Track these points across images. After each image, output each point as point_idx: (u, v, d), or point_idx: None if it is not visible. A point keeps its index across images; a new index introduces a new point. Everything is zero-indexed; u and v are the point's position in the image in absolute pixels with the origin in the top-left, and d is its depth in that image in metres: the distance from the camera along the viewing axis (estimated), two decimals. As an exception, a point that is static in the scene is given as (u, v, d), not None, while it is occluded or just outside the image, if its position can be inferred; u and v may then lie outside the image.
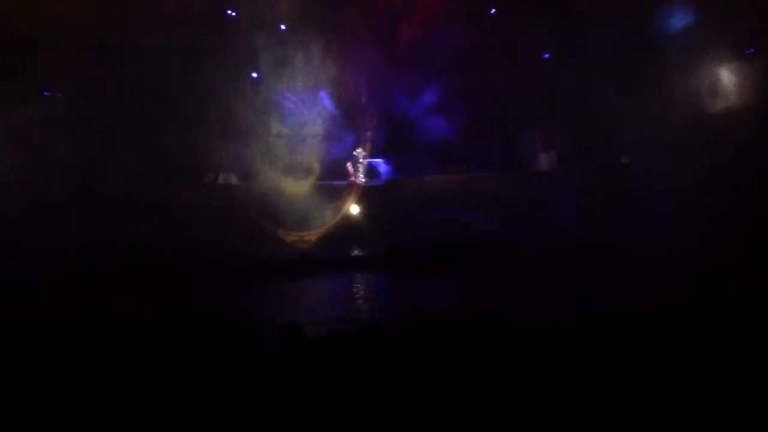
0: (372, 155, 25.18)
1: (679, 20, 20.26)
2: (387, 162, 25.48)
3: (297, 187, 22.64)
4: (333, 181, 23.94)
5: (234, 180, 23.88)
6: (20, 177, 18.75)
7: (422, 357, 6.00)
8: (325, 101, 24.50)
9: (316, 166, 23.47)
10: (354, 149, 24.87)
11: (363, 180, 24.46)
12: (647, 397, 5.20)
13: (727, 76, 19.90)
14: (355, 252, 21.23)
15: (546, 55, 24.45)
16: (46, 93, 22.59)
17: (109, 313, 12.46)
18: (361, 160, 24.75)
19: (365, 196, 23.11)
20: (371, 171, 25.09)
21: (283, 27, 23.61)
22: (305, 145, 23.63)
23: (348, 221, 22.47)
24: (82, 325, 7.45)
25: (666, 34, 20.25)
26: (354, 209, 22.66)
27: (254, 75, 23.68)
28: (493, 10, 25.39)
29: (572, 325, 6.72)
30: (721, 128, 18.79)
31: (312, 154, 23.57)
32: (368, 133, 24.94)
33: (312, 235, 21.80)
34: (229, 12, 24.03)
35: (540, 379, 5.59)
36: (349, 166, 24.53)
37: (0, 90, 19.73)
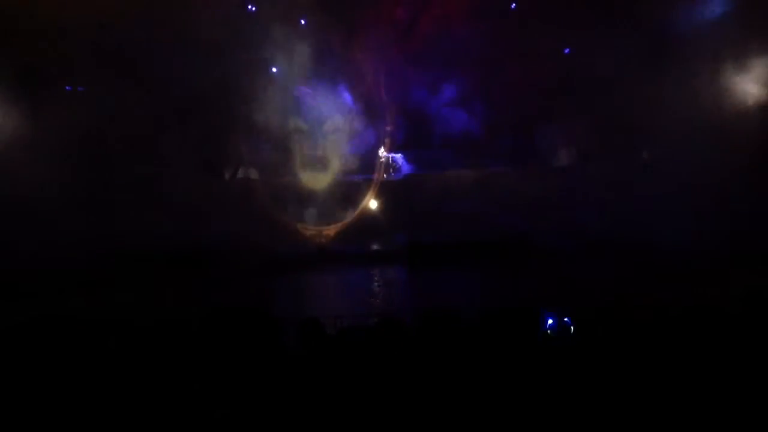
0: (392, 150, 25.19)
1: (702, 16, 20.07)
2: (406, 157, 25.48)
3: (316, 182, 22.70)
4: (352, 175, 23.95)
5: (254, 174, 23.96)
6: (44, 170, 18.89)
7: (440, 352, 6.03)
8: (345, 96, 24.51)
9: (336, 161, 23.49)
10: (373, 145, 24.89)
11: (383, 175, 24.47)
12: (664, 397, 5.22)
13: (752, 74, 19.68)
14: (374, 246, 21.26)
15: (566, 51, 24.30)
16: (68, 87, 22.77)
17: (127, 307, 12.61)
18: (380, 156, 24.76)
19: (384, 190, 23.12)
20: (391, 166, 25.09)
21: (303, 22, 23.63)
22: (324, 140, 23.68)
23: (366, 215, 22.49)
24: (107, 318, 7.54)
25: (690, 30, 20.05)
26: (373, 204, 22.68)
27: (274, 70, 23.72)
28: (513, 5, 25.27)
29: (589, 323, 6.74)
30: (745, 126, 18.61)
31: (331, 149, 23.61)
32: (388, 128, 24.94)
33: (331, 230, 21.87)
34: (249, 7, 24.09)
35: (557, 377, 5.61)
36: (380, 158, 24.53)
37: (25, 84, 19.93)
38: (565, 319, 7.08)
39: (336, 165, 23.46)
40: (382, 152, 24.80)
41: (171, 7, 20.77)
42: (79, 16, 19.91)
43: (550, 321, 7.14)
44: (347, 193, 22.72)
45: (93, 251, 17.40)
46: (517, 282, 15.76)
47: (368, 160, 24.63)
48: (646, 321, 6.55)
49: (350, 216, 22.32)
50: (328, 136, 23.79)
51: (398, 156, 25.35)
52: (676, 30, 20.08)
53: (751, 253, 14.39)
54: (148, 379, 5.74)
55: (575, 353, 6.10)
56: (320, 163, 23.42)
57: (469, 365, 5.74)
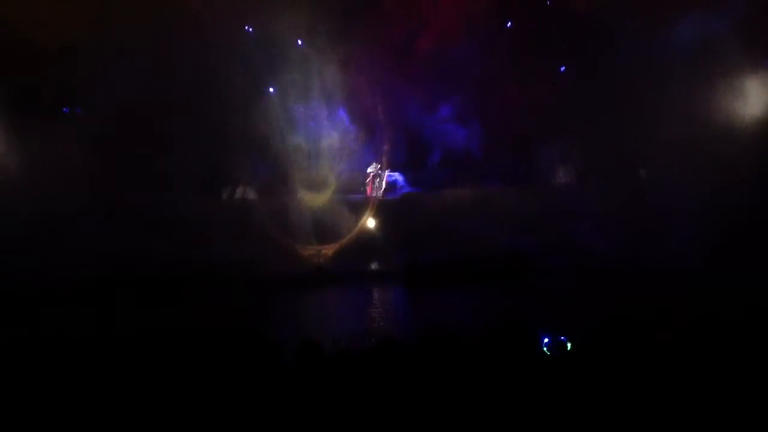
0: (389, 169, 25.20)
1: (699, 34, 20.17)
2: (403, 176, 25.49)
3: (314, 201, 22.69)
4: (350, 194, 23.94)
5: (251, 194, 23.95)
6: (38, 191, 18.91)
7: (439, 372, 6.01)
8: (342, 116, 24.55)
9: (333, 180, 23.50)
10: (371, 163, 24.90)
11: (380, 194, 24.48)
12: (662, 413, 5.20)
13: (746, 89, 19.77)
14: (372, 266, 21.22)
15: (562, 69, 24.40)
16: (65, 109, 22.85)
17: (125, 326, 12.57)
18: (378, 174, 24.77)
19: (382, 210, 23.11)
20: (388, 185, 25.09)
21: (299, 42, 23.71)
22: (322, 159, 23.69)
23: (364, 235, 22.46)
24: (101, 336, 7.52)
25: (684, 46, 20.15)
26: (370, 223, 22.67)
27: (271, 90, 23.78)
28: (509, 24, 25.40)
29: (590, 341, 6.73)
30: (745, 140, 18.68)
31: (329, 168, 23.62)
32: (385, 148, 24.97)
33: (329, 249, 21.82)
34: (246, 27, 24.18)
35: (558, 395, 5.59)
36: (367, 179, 24.57)
37: (21, 105, 19.99)
38: (562, 338, 7.07)
39: (334, 184, 23.46)
40: (379, 171, 24.79)
41: (168, 29, 20.85)
42: (73, 40, 20.04)
43: (546, 339, 7.13)
44: (345, 212, 22.69)
45: (88, 273, 17.38)
46: (515, 301, 15.73)
47: (368, 179, 24.65)
48: (644, 339, 6.54)
49: (348, 235, 22.27)
50: (325, 156, 23.79)
51: (396, 175, 25.35)
52: (671, 46, 20.17)
53: (750, 269, 14.39)
54: (144, 397, 5.72)
55: (572, 371, 6.09)
56: (318, 183, 23.40)
57: (468, 385, 5.73)
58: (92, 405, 5.61)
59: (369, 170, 24.66)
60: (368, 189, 24.51)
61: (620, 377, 5.73)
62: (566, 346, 6.90)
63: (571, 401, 5.47)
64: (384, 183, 24.78)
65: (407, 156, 25.66)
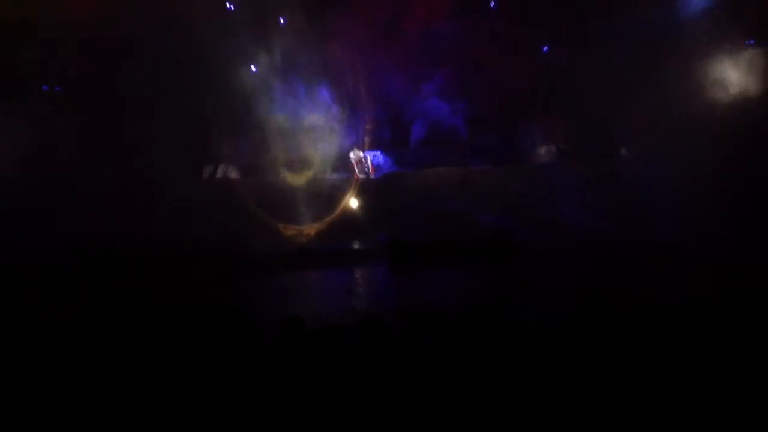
0: (372, 148, 25.14)
1: (685, 11, 20.21)
2: (387, 155, 25.44)
3: (296, 181, 22.62)
4: (332, 174, 23.89)
5: (233, 173, 23.85)
6: (18, 172, 18.75)
7: (422, 350, 5.99)
8: (325, 95, 24.43)
9: (316, 160, 23.42)
10: (354, 142, 24.82)
11: (363, 173, 24.42)
12: (649, 395, 5.19)
13: (731, 68, 19.85)
14: (355, 245, 21.20)
15: (545, 48, 24.38)
16: (44, 87, 22.59)
17: (107, 309, 12.49)
18: (360, 154, 24.70)
19: (365, 189, 23.06)
20: (371, 164, 25.03)
21: (281, 20, 23.54)
22: (305, 138, 23.59)
23: (347, 214, 22.42)
24: (80, 321, 7.44)
25: (668, 25, 20.19)
26: (353, 202, 22.62)
27: (253, 68, 23.61)
28: (493, 3, 25.31)
29: (573, 320, 6.72)
30: (725, 121, 18.75)
31: (311, 148, 23.53)
32: (368, 127, 24.89)
33: (311, 229, 21.77)
34: (228, 5, 23.96)
35: (542, 375, 5.58)
36: (351, 158, 24.48)
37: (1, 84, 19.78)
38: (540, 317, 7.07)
39: (316, 164, 23.39)
40: (362, 151, 24.72)
41: (148, 7, 20.64)
42: (56, 15, 19.78)
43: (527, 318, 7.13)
44: (328, 191, 22.63)
45: (69, 253, 17.27)
46: (498, 280, 15.76)
47: (349, 159, 24.58)
48: (629, 318, 6.55)
49: (331, 215, 22.22)
50: (308, 135, 23.70)
51: (378, 154, 25.30)
52: (657, 26, 20.19)
53: (734, 250, 14.47)
54: (126, 380, 5.67)
55: (557, 352, 6.08)
56: (300, 162, 23.33)
57: (452, 363, 5.71)
58: (73, 387, 5.55)
59: (351, 155, 24.55)
60: (352, 170, 24.42)
61: (606, 357, 5.73)
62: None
63: (556, 380, 5.46)
64: (367, 163, 24.72)
65: (391, 135, 25.62)
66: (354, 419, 5.10)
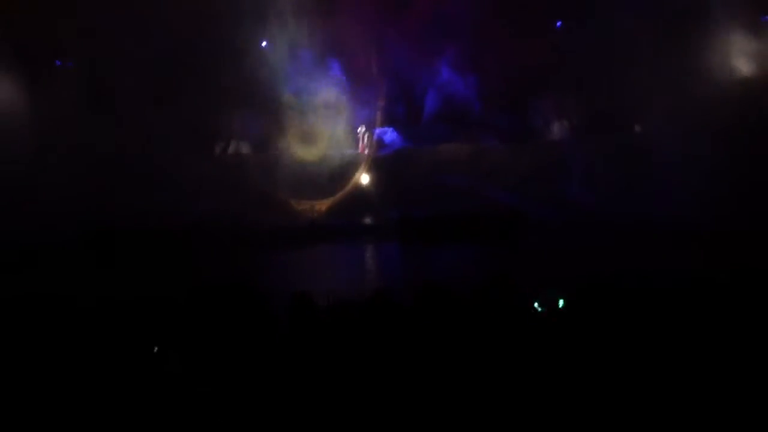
0: (383, 124, 25.05)
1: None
2: (398, 131, 25.33)
3: (308, 156, 22.62)
4: (344, 150, 23.84)
5: (245, 149, 23.85)
6: (30, 146, 18.84)
7: (432, 326, 6.02)
8: (337, 71, 24.34)
9: (328, 136, 23.38)
10: (365, 118, 24.72)
11: (373, 149, 24.35)
12: (657, 373, 5.21)
13: (747, 44, 19.64)
14: (366, 221, 21.23)
15: (558, 24, 24.17)
16: (57, 62, 22.64)
17: (119, 282, 12.59)
18: (372, 130, 24.62)
19: (376, 165, 23.04)
20: (382, 140, 24.95)
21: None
22: (316, 114, 23.53)
23: (358, 190, 22.43)
24: (92, 293, 7.50)
25: (685, 4, 19.98)
26: (364, 178, 22.60)
27: (264, 44, 23.53)
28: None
29: (582, 298, 6.73)
30: (740, 98, 18.60)
31: (323, 124, 23.48)
32: (379, 103, 24.78)
33: (322, 204, 21.81)
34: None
35: (548, 351, 5.61)
36: (360, 134, 24.42)
37: (11, 58, 19.81)
38: (556, 295, 7.07)
39: (327, 139, 23.35)
40: (374, 127, 24.62)
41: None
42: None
43: (539, 296, 7.13)
44: (339, 167, 22.63)
45: (79, 227, 17.39)
46: (509, 256, 15.77)
47: (360, 135, 24.50)
48: (639, 296, 6.55)
49: (342, 191, 22.24)
50: (319, 111, 23.64)
51: (390, 130, 25.19)
52: (673, 5, 19.98)
53: (745, 228, 14.42)
54: (134, 355, 5.72)
55: (566, 329, 6.11)
56: (312, 138, 23.29)
57: (462, 341, 5.74)
58: (79, 363, 5.60)
59: (359, 130, 24.45)
60: (361, 145, 24.35)
61: (613, 335, 5.75)
62: (558, 303, 6.91)
63: (564, 359, 5.49)
64: (364, 139, 24.58)
65: (402, 111, 25.50)
66: (362, 396, 5.15)
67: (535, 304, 6.98)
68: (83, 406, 5.12)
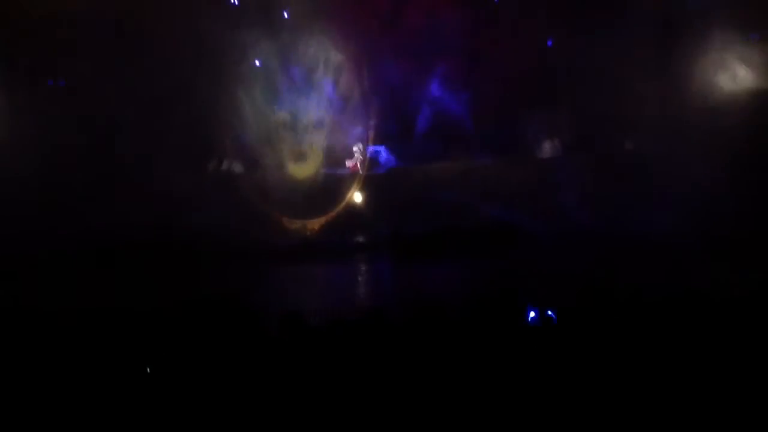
0: (375, 142, 25.07)
1: (690, 6, 20.15)
2: (390, 148, 25.35)
3: (300, 175, 22.63)
4: (336, 168, 23.86)
5: (237, 167, 23.84)
6: (21, 161, 18.83)
7: (425, 343, 5.99)
8: (328, 89, 24.39)
9: (319, 154, 23.40)
10: (357, 136, 24.74)
11: (365, 168, 24.35)
12: (651, 386, 5.19)
13: (737, 62, 19.77)
14: (358, 238, 21.21)
15: (549, 42, 24.29)
16: (49, 82, 22.65)
17: (110, 296, 12.53)
18: (364, 147, 24.63)
19: (368, 183, 23.04)
20: (373, 158, 24.96)
21: (285, 14, 23.52)
22: (308, 132, 23.57)
23: (351, 208, 22.42)
24: (83, 307, 7.46)
25: (674, 18, 20.13)
26: (357, 197, 22.60)
27: (257, 62, 23.60)
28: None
29: (577, 312, 6.72)
30: (731, 115, 18.70)
31: (315, 142, 23.51)
32: (371, 121, 24.82)
33: (315, 223, 21.79)
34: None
35: (544, 366, 5.59)
36: (352, 152, 24.43)
37: (4, 76, 19.84)
38: (548, 312, 7.05)
39: (320, 158, 23.37)
40: (365, 145, 24.64)
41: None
42: (57, 9, 19.80)
43: (532, 313, 7.11)
44: (331, 185, 22.63)
45: (72, 242, 17.36)
46: (501, 273, 15.75)
47: (351, 153, 24.52)
48: (632, 311, 6.54)
49: (335, 208, 22.22)
50: (311, 129, 23.67)
51: (381, 148, 25.21)
52: (663, 18, 20.13)
53: (736, 243, 14.47)
54: (125, 369, 5.69)
55: (559, 345, 6.08)
56: (304, 156, 23.32)
57: (454, 358, 5.71)
58: (71, 378, 5.57)
59: (354, 149, 24.46)
60: (353, 163, 24.34)
61: (608, 350, 5.73)
62: (552, 321, 6.88)
63: (558, 374, 5.46)
64: (367, 157, 24.61)
65: (394, 128, 25.53)
66: (354, 414, 5.11)
67: (529, 322, 6.97)
68: (75, 419, 5.10)
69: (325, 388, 5.34)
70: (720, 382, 5.13)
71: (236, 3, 23.97)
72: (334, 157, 24.03)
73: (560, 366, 5.57)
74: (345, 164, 24.28)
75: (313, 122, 23.64)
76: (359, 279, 17.88)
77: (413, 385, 5.33)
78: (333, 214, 22.12)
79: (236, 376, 5.47)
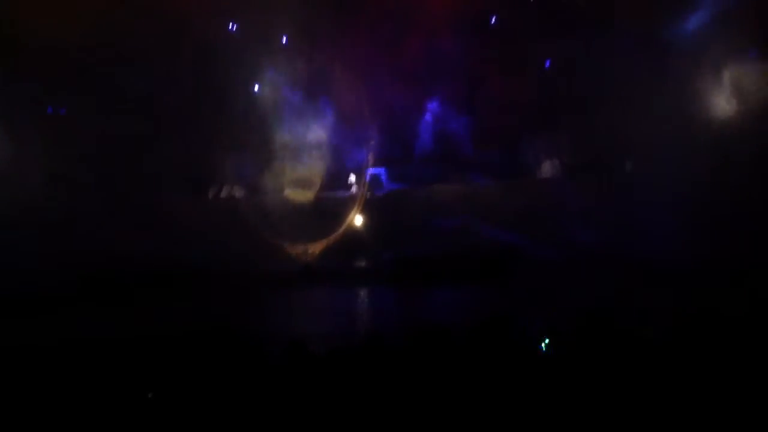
0: (376, 165, 25.11)
1: (687, 27, 20.24)
2: (391, 172, 25.40)
3: (301, 199, 22.64)
4: (336, 192, 23.88)
5: (238, 192, 23.86)
6: (22, 192, 18.80)
7: (427, 370, 5.96)
8: (329, 113, 24.46)
9: (320, 178, 23.43)
10: (358, 160, 24.79)
11: (367, 190, 24.36)
12: (652, 410, 5.16)
13: (736, 81, 19.81)
14: (359, 263, 21.18)
15: (547, 64, 24.40)
16: (49, 110, 22.70)
17: (111, 324, 12.50)
18: (365, 171, 24.66)
19: (368, 206, 23.04)
20: (374, 181, 24.98)
21: (284, 39, 23.65)
22: (308, 156, 23.61)
23: (351, 232, 22.40)
24: (83, 336, 7.45)
25: (671, 39, 20.21)
26: (357, 220, 22.59)
27: (256, 88, 23.70)
28: (493, 19, 25.35)
29: (578, 336, 6.68)
30: (728, 134, 18.72)
31: (315, 166, 23.55)
32: (371, 144, 24.87)
33: (316, 247, 21.75)
34: (231, 24, 24.07)
35: (546, 391, 5.55)
36: (353, 176, 24.46)
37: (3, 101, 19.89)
38: (549, 336, 7.01)
39: (320, 181, 23.40)
40: (366, 168, 24.66)
41: (152, 27, 20.75)
42: (57, 35, 19.86)
43: (534, 337, 7.07)
44: (332, 210, 22.63)
45: (71, 272, 17.30)
46: (504, 295, 15.71)
47: (352, 177, 24.54)
48: (633, 332, 6.52)
49: (336, 233, 22.20)
50: (312, 153, 23.71)
51: (382, 171, 25.24)
52: (660, 40, 20.21)
53: (740, 263, 14.43)
54: (129, 397, 5.67)
55: (562, 365, 6.05)
56: (304, 181, 23.34)
57: (458, 381, 5.68)
58: (76, 408, 5.54)
59: (352, 173, 24.49)
60: (354, 187, 24.35)
61: (609, 373, 5.70)
62: (553, 345, 6.83)
63: (561, 397, 5.43)
64: (368, 180, 24.63)
65: (395, 152, 25.59)
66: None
67: (532, 339, 6.93)
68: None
69: (326, 414, 5.30)
70: (723, 406, 5.10)
71: (236, 28, 24.10)
72: (335, 181, 24.07)
73: (561, 389, 5.54)
74: (345, 187, 24.32)
75: (315, 146, 23.68)
76: (360, 304, 17.81)
77: (414, 411, 5.30)
78: (333, 238, 22.10)
79: (237, 403, 5.44)
